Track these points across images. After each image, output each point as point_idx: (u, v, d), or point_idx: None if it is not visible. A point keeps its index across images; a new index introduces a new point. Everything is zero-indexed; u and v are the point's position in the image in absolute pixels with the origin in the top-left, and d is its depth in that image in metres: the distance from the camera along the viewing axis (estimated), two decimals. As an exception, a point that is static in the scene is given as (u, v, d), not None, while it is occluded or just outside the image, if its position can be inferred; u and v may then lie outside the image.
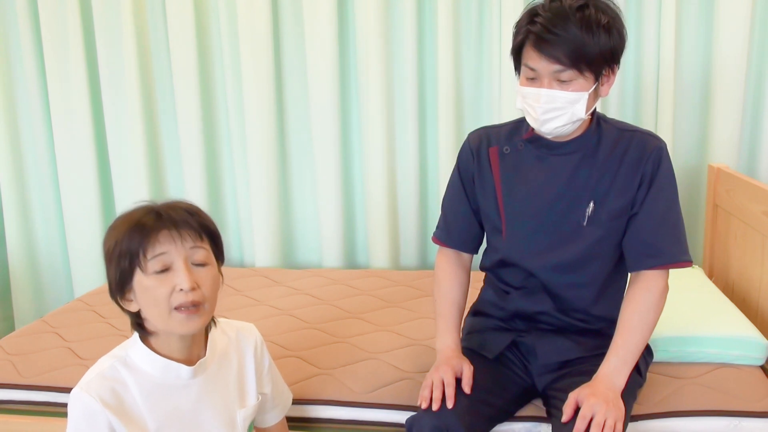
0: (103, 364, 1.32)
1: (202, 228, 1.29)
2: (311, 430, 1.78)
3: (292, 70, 2.89)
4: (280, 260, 2.99)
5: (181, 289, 1.24)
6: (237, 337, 1.47)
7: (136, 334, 1.34)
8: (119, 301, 1.30)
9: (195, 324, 1.28)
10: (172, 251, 1.25)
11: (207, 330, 1.39)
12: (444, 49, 2.70)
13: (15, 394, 1.90)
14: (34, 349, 2.09)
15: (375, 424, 1.76)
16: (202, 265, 1.29)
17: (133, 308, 1.29)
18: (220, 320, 1.46)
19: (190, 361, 1.35)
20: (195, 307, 1.26)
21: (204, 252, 1.29)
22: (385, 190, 2.85)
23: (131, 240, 1.23)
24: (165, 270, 1.25)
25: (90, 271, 3.09)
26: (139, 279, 1.25)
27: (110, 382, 1.28)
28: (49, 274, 3.21)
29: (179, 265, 1.25)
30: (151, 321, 1.29)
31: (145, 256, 1.23)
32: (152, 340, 1.33)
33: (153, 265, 1.24)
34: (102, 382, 1.28)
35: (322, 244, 2.96)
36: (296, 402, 1.78)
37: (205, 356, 1.37)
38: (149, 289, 1.25)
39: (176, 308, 1.25)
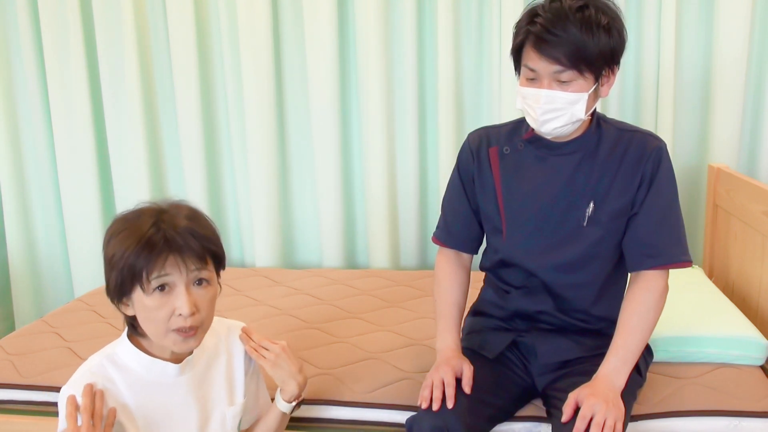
0: (91, 362, 1.34)
1: (205, 251, 1.29)
2: (311, 430, 1.78)
3: (292, 70, 2.89)
4: (280, 260, 2.99)
5: (180, 314, 1.26)
6: (227, 336, 1.49)
7: (124, 332, 1.36)
8: (116, 304, 1.31)
9: (190, 345, 1.31)
10: (175, 274, 1.26)
11: None
12: (444, 49, 2.70)
13: (15, 394, 1.90)
14: (34, 349, 2.09)
15: (375, 424, 1.76)
16: (203, 284, 1.30)
17: (129, 312, 1.30)
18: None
19: (178, 360, 1.36)
20: (193, 330, 1.28)
21: (206, 273, 1.30)
22: (385, 190, 2.85)
23: (137, 258, 1.23)
24: (166, 289, 1.26)
25: (90, 271, 3.10)
26: (139, 297, 1.26)
27: (98, 378, 1.30)
28: (49, 274, 3.21)
29: (181, 290, 1.26)
30: (147, 335, 1.31)
31: (148, 278, 1.24)
32: (143, 340, 1.35)
33: (155, 284, 1.25)
34: (90, 379, 1.29)
35: (322, 244, 2.96)
36: (296, 402, 1.78)
37: (192, 354, 1.38)
38: (148, 309, 1.26)
39: (174, 330, 1.27)
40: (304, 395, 1.55)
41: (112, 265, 1.26)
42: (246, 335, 1.50)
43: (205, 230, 1.31)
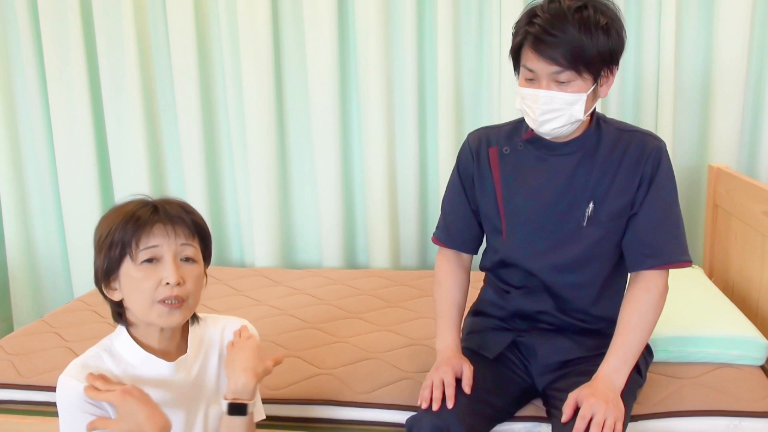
0: (88, 353, 1.36)
1: (195, 226, 1.33)
2: (311, 430, 1.78)
3: (292, 70, 2.89)
4: (280, 260, 2.99)
5: (167, 283, 1.27)
6: (222, 334, 1.48)
7: (121, 326, 1.37)
8: (103, 289, 1.33)
9: (175, 318, 1.31)
10: (163, 245, 1.28)
11: (187, 324, 1.42)
12: (444, 50, 2.70)
13: (15, 394, 1.91)
14: (34, 349, 2.09)
15: (375, 424, 1.76)
16: (190, 262, 1.32)
17: (116, 297, 1.32)
18: (210, 315, 1.48)
19: (170, 353, 1.37)
20: (178, 301, 1.29)
21: (193, 249, 1.32)
22: (385, 190, 2.85)
23: (125, 230, 1.27)
24: (154, 262, 1.28)
25: (90, 271, 3.02)
26: (127, 268, 1.28)
27: (95, 369, 1.31)
28: (49, 275, 3.21)
29: (168, 259, 1.28)
30: (133, 311, 1.32)
31: (137, 246, 1.27)
32: (133, 331, 1.36)
33: (143, 255, 1.27)
34: (87, 368, 1.30)
35: (322, 244, 2.96)
36: (296, 402, 1.78)
37: (187, 353, 1.39)
38: (136, 280, 1.28)
39: (159, 301, 1.28)
40: (249, 402, 1.35)
41: (101, 245, 1.29)
42: (238, 332, 1.46)
43: (196, 212, 1.36)
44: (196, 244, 1.33)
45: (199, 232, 1.34)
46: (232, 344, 1.44)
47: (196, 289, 1.33)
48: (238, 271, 2.83)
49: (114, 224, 1.28)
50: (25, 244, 3.16)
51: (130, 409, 1.23)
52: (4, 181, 3.10)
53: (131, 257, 1.27)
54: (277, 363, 1.42)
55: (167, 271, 1.28)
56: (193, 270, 1.32)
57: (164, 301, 1.28)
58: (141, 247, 1.26)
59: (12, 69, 3.06)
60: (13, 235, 3.13)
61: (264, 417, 1.51)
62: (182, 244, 1.30)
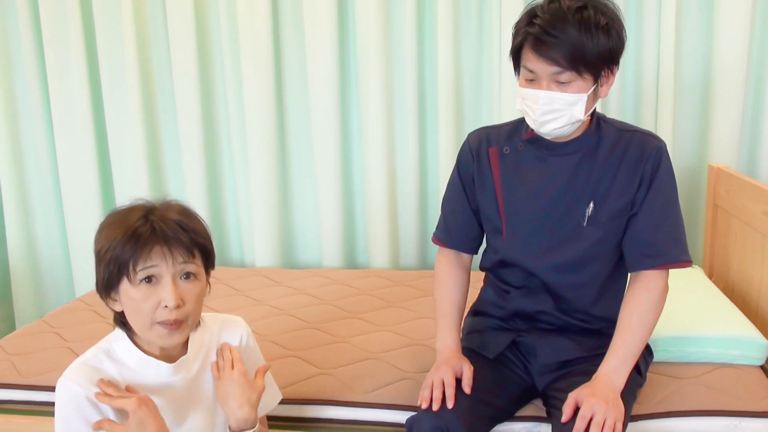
0: (88, 354, 1.35)
1: (194, 244, 1.29)
2: (311, 430, 1.78)
3: (292, 70, 2.90)
4: (280, 260, 2.99)
5: (166, 306, 1.26)
6: (220, 332, 1.48)
7: (117, 330, 1.37)
8: (105, 299, 1.32)
9: (175, 339, 1.31)
10: (161, 266, 1.26)
11: None
12: (444, 50, 2.70)
13: (15, 394, 1.91)
14: (34, 349, 2.09)
15: (375, 424, 1.76)
16: (191, 278, 1.30)
17: (118, 308, 1.31)
18: (206, 315, 1.47)
19: (171, 358, 1.36)
20: (177, 323, 1.28)
21: (193, 267, 1.30)
22: (385, 190, 2.85)
23: (123, 249, 1.24)
24: (152, 281, 1.26)
25: (90, 271, 3.03)
26: (126, 288, 1.26)
27: (94, 371, 1.30)
28: (50, 274, 3.21)
29: (167, 281, 1.26)
30: (133, 328, 1.31)
31: (134, 268, 1.24)
32: (137, 338, 1.35)
33: (141, 275, 1.25)
34: (86, 370, 1.30)
35: (322, 244, 2.96)
36: (296, 402, 1.78)
37: (186, 354, 1.38)
38: (134, 300, 1.26)
39: (158, 323, 1.27)
40: (254, 429, 1.39)
41: (101, 258, 1.27)
42: (221, 351, 1.45)
43: (195, 224, 1.32)
44: (197, 260, 1.30)
45: (199, 247, 1.31)
46: (216, 366, 1.41)
47: (196, 308, 1.32)
48: (238, 271, 2.83)
49: (113, 240, 1.25)
50: (27, 243, 3.16)
51: (142, 420, 1.25)
52: (5, 181, 3.10)
53: (129, 279, 1.25)
54: (265, 371, 1.46)
55: (166, 293, 1.25)
56: (193, 288, 1.30)
57: (163, 323, 1.27)
58: (138, 268, 1.24)
59: (13, 69, 3.06)
60: (14, 235, 3.13)
61: (281, 398, 1.62)
62: (182, 263, 1.27)
